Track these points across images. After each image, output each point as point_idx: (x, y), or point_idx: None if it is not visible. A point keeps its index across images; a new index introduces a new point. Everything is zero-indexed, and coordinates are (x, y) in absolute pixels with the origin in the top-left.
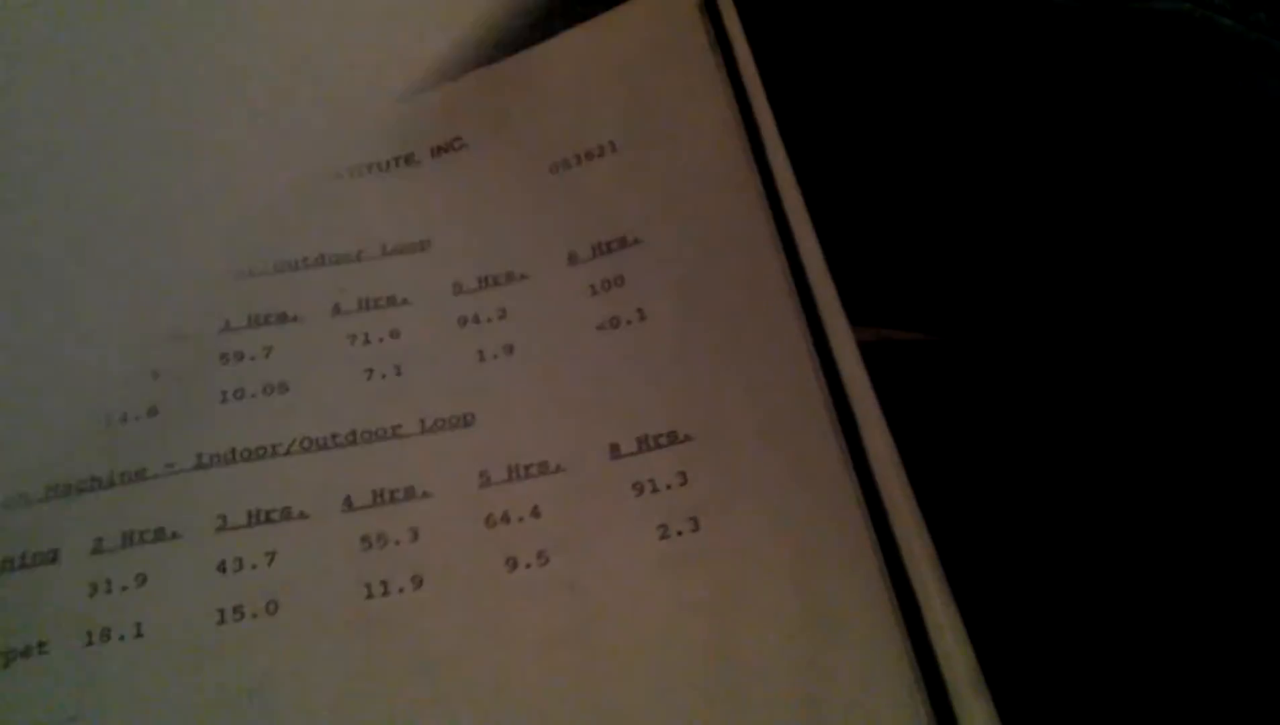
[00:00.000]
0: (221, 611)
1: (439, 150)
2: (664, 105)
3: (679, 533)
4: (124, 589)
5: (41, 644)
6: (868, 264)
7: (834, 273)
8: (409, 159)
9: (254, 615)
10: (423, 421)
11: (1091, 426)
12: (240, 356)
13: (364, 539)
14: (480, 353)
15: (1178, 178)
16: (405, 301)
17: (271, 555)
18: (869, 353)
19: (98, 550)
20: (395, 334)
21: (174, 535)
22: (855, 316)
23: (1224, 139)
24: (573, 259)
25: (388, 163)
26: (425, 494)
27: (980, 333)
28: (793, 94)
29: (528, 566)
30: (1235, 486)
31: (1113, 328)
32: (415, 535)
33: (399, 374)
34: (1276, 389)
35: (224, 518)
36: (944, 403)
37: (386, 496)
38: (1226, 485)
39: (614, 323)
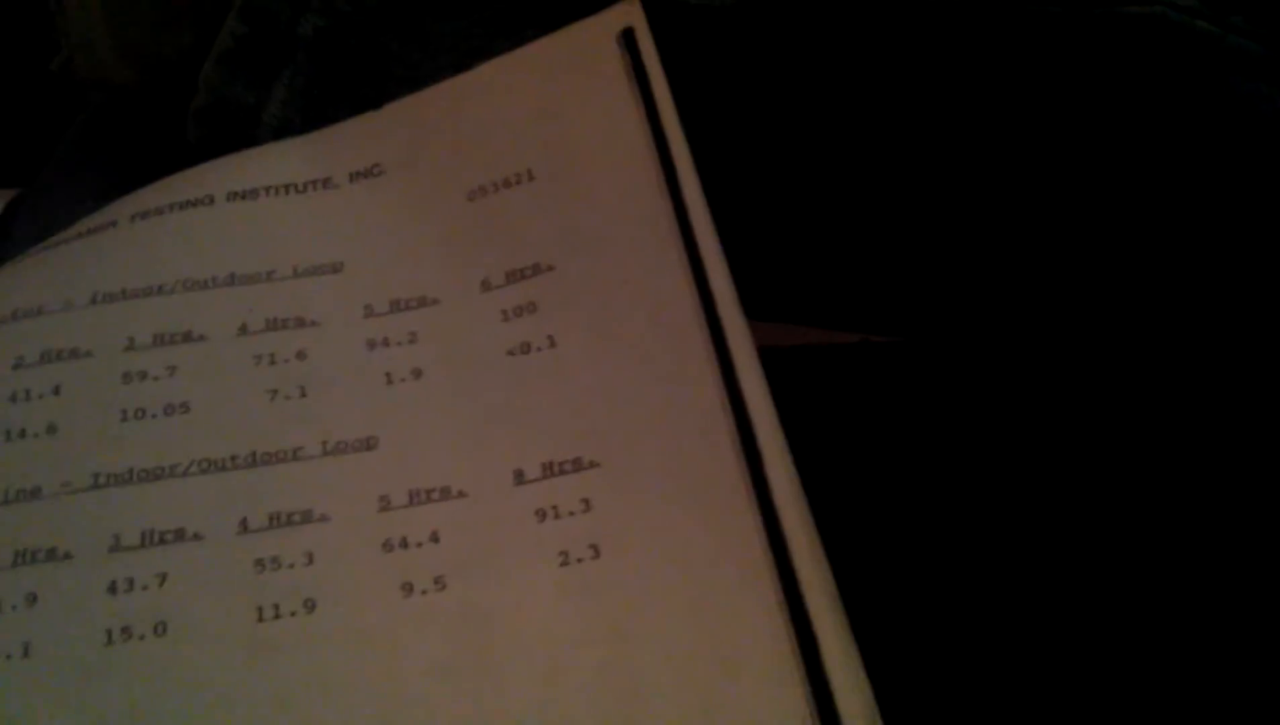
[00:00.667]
0: (109, 632)
1: (357, 175)
2: (581, 135)
3: (579, 560)
4: (13, 608)
5: None
6: (849, 269)
7: (810, 278)
8: (326, 182)
9: (141, 637)
10: (324, 444)
11: (1071, 430)
12: (143, 375)
13: (258, 562)
14: (388, 376)
15: (1154, 181)
16: (314, 323)
17: (163, 577)
18: (850, 356)
19: None
20: (302, 355)
21: (66, 555)
22: (836, 321)
23: (1201, 142)
24: (485, 285)
25: (305, 185)
26: (323, 517)
27: (960, 335)
28: (742, 104)
29: (424, 592)
30: (1218, 493)
31: (1090, 330)
32: (310, 559)
33: (303, 396)
34: (1254, 389)
35: (117, 538)
36: (924, 406)
37: (283, 519)
38: (1209, 492)
39: (524, 349)
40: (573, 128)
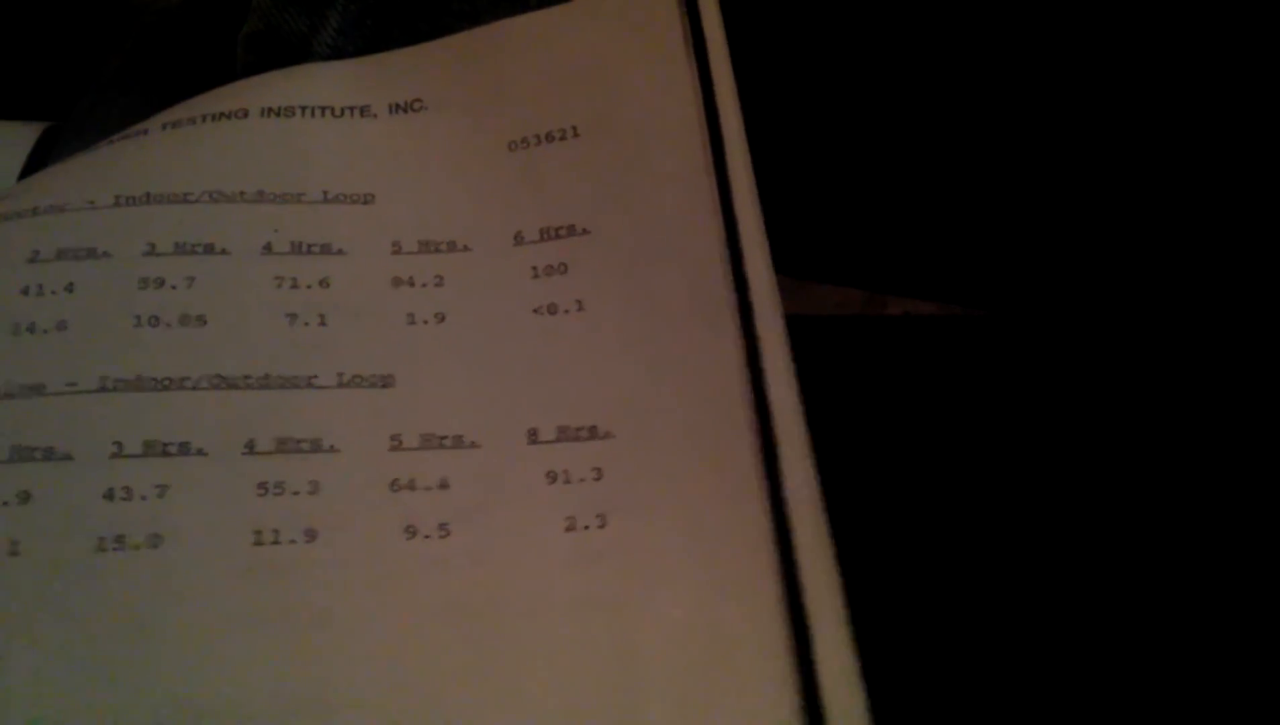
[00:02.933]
0: (102, 539)
1: (397, 108)
2: (632, 98)
3: (585, 527)
4: (4, 504)
5: None
6: (904, 237)
7: (851, 250)
8: (365, 110)
9: (135, 547)
10: (340, 375)
11: (1114, 404)
12: (161, 283)
13: (261, 485)
14: (410, 316)
15: (1211, 157)
16: (340, 252)
17: (163, 489)
18: (891, 327)
19: None
20: (325, 283)
21: (65, 456)
22: (881, 287)
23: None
24: (519, 239)
25: (343, 110)
26: (332, 448)
27: (1008, 309)
28: (799, 79)
29: (426, 537)
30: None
31: (1135, 307)
32: (315, 488)
33: (323, 324)
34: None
35: (120, 445)
36: (966, 380)
37: (291, 445)
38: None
39: (551, 309)
40: (625, 90)
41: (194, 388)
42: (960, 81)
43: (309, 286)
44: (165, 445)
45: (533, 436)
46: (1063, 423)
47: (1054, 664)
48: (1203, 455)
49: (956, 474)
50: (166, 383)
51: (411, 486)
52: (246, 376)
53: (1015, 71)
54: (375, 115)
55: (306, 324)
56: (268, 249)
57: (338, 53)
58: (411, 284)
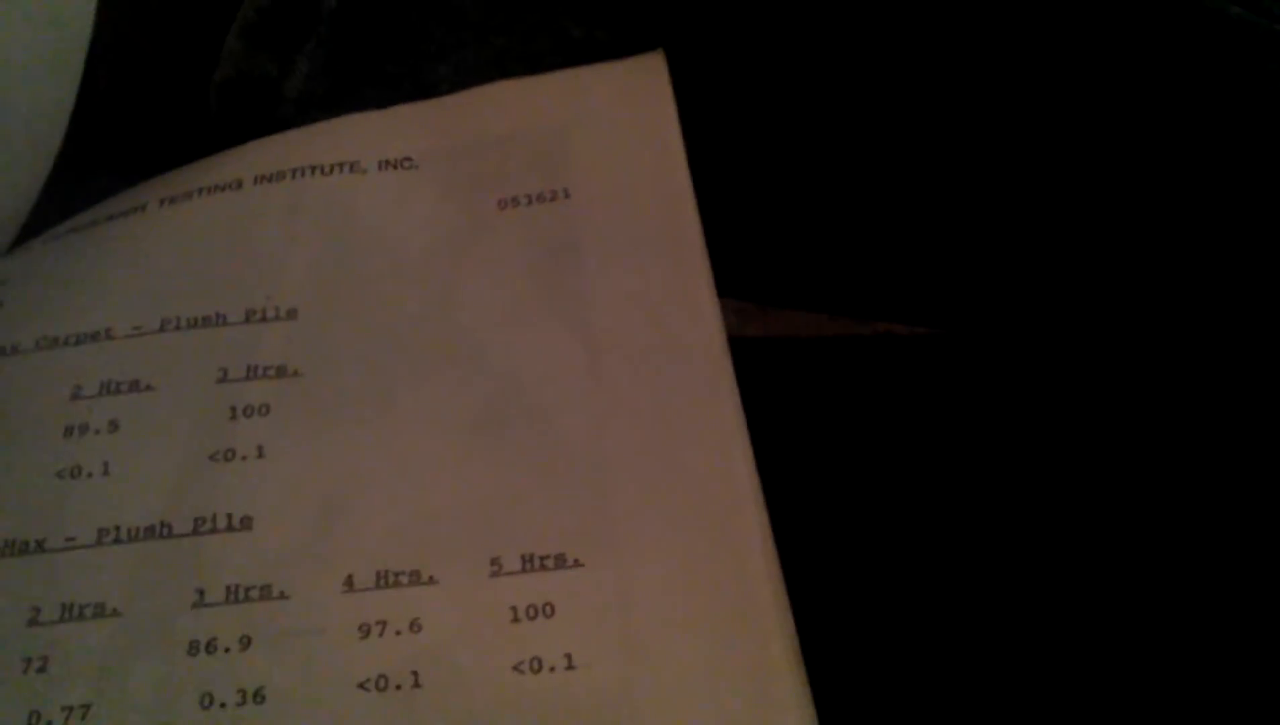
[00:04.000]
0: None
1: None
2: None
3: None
4: None
5: None
6: (871, 258)
7: (832, 269)
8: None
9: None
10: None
11: (1095, 423)
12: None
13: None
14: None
15: (1184, 168)
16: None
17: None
18: (870, 347)
19: None
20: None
21: None
22: (860, 311)
23: (1232, 128)
24: None
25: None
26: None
27: (985, 327)
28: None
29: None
30: (1241, 484)
31: (1118, 323)
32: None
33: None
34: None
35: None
36: (947, 399)
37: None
38: (1231, 484)
39: None
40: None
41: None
42: (927, 103)
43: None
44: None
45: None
46: (1035, 439)
47: (1033, 678)
48: (1176, 470)
49: (933, 491)
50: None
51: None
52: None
53: (982, 94)
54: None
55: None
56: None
57: (308, 97)
58: None
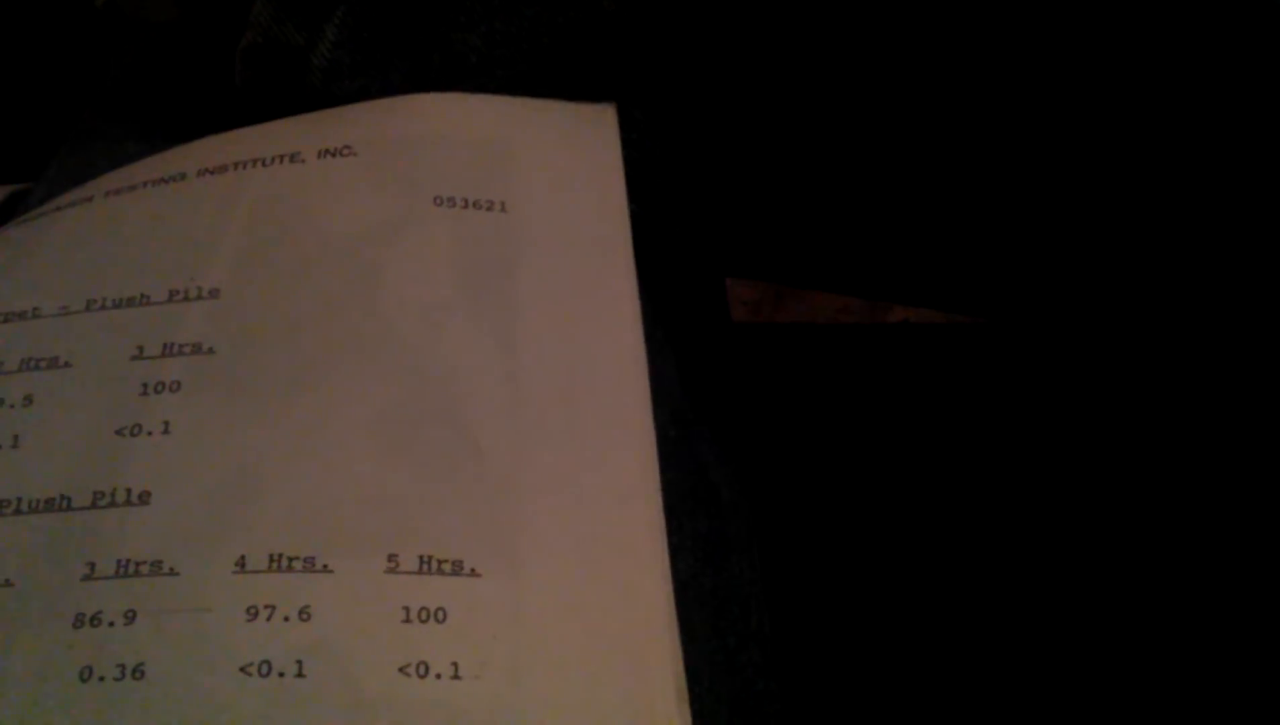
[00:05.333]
0: None
1: (326, 153)
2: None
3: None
4: None
5: None
6: (895, 248)
7: (851, 258)
8: (294, 157)
9: None
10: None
11: (1108, 410)
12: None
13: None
14: None
15: (1205, 160)
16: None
17: None
18: (893, 335)
19: None
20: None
21: None
22: (880, 295)
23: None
24: None
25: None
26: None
27: (1006, 316)
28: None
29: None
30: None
31: (1138, 317)
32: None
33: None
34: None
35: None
36: (968, 384)
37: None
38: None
39: None
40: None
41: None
42: (953, 91)
43: None
44: None
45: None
46: (1058, 429)
47: (1049, 666)
48: (1195, 462)
49: (952, 478)
50: None
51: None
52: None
53: (1007, 81)
54: (304, 160)
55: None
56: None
57: (335, 65)
58: None
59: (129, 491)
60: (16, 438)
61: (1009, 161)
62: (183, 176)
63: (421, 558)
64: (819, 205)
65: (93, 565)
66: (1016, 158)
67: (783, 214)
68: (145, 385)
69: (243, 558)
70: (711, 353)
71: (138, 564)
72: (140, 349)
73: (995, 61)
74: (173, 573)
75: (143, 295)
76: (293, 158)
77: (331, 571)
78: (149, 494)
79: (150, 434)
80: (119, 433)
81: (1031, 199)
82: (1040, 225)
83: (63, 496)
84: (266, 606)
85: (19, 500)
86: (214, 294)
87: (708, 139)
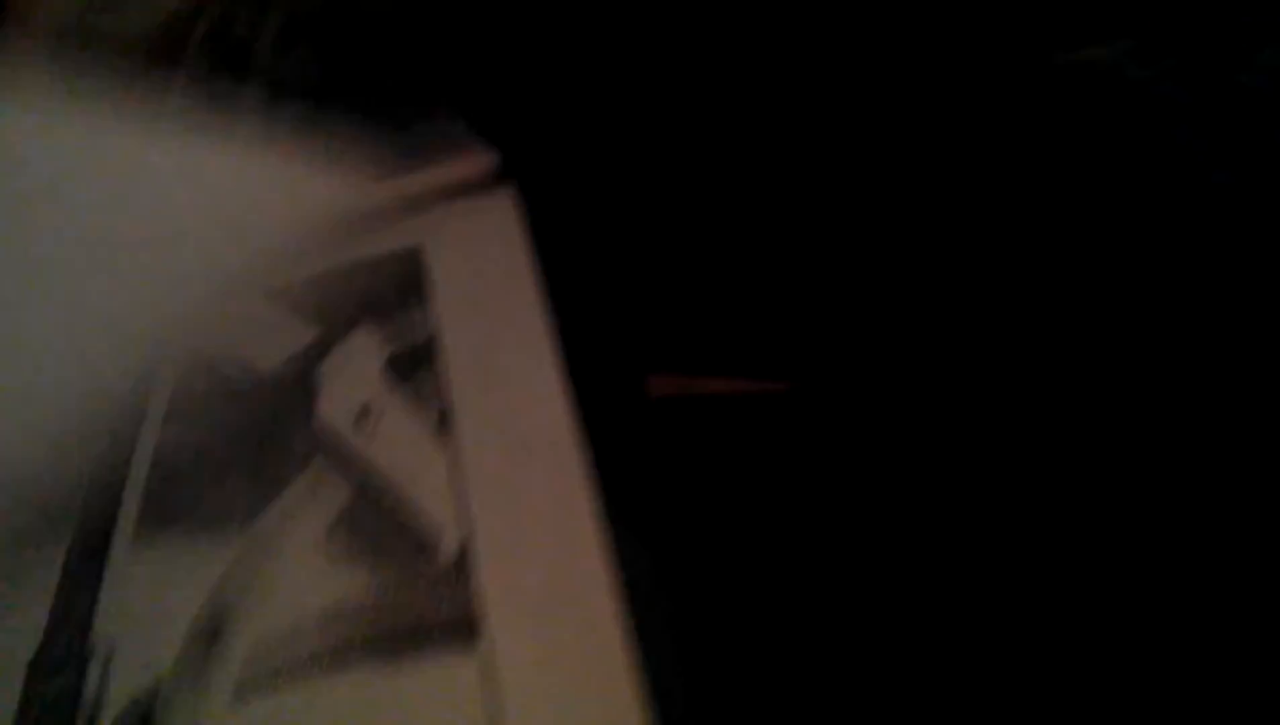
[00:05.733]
0: None
1: None
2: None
3: None
4: None
5: None
6: (733, 316)
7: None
8: None
9: None
10: None
11: (959, 480)
12: None
13: None
14: None
15: (1086, 219)
16: None
17: None
18: (731, 406)
19: None
20: None
21: None
22: (720, 367)
23: (1135, 187)
24: None
25: None
26: None
27: (841, 382)
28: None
29: None
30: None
31: (990, 376)
32: None
33: None
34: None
35: None
36: (808, 453)
37: None
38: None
39: None
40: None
41: None
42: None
43: None
44: None
45: None
46: (864, 490)
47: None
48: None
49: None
50: None
51: None
52: None
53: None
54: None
55: None
56: None
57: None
58: None
59: None
60: None
61: (822, 237)
62: None
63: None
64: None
65: None
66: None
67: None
68: None
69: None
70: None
71: None
72: None
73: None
74: None
75: None
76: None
77: None
78: None
79: None
80: None
81: (837, 272)
82: (846, 293)
83: None
84: None
85: None
86: None
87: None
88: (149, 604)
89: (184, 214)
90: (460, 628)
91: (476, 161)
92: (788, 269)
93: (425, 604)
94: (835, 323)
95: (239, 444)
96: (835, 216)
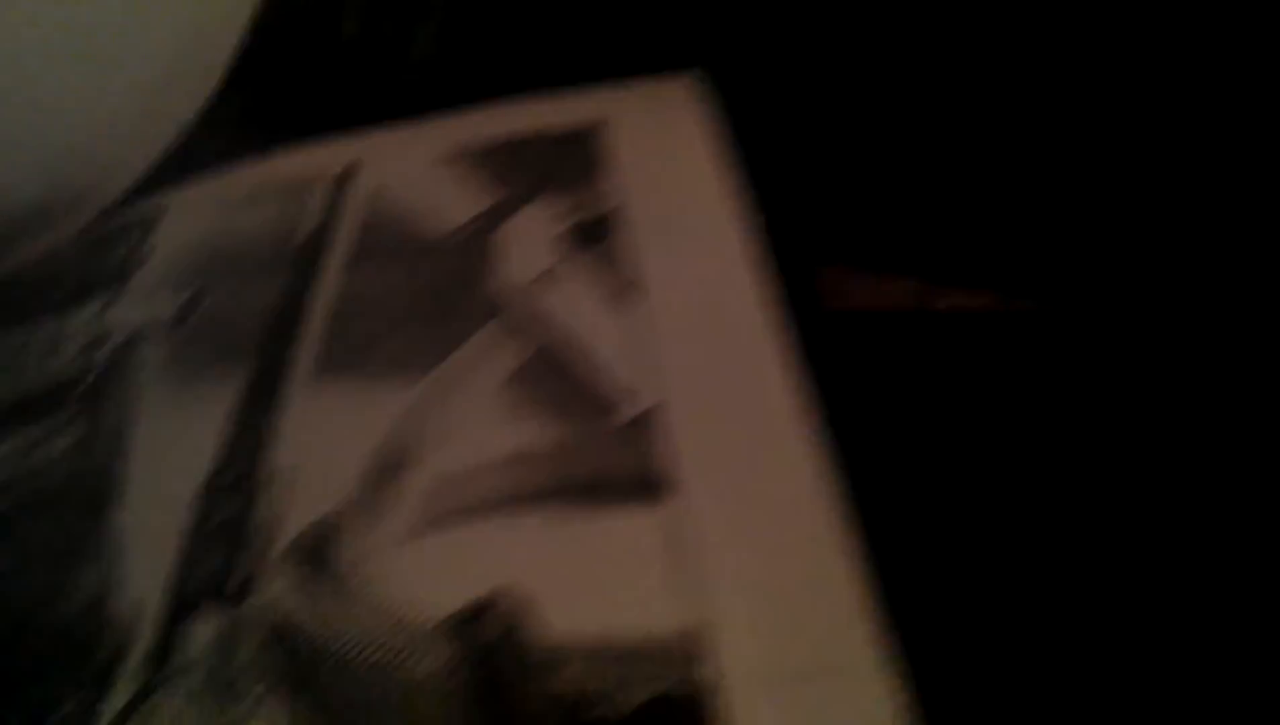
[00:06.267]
0: None
1: None
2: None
3: None
4: None
5: None
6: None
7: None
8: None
9: None
10: None
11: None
12: None
13: None
14: None
15: None
16: None
17: None
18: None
19: None
20: None
21: None
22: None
23: None
24: None
25: None
26: None
27: (1057, 300)
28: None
29: None
30: None
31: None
32: None
33: None
34: None
35: None
36: (1057, 374)
37: None
38: None
39: None
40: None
41: None
42: (1008, 66)
43: None
44: None
45: None
46: (1104, 417)
47: (1088, 663)
48: (1249, 451)
49: (999, 468)
50: None
51: None
52: None
53: (1065, 55)
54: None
55: None
56: None
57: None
58: None
59: None
60: None
61: (1064, 139)
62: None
63: None
64: (871, 186)
65: None
66: (1073, 134)
67: (834, 195)
68: None
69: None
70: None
71: None
72: None
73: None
74: None
75: None
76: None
77: None
78: None
79: None
80: None
81: (1085, 178)
82: (1094, 204)
83: None
84: None
85: None
86: None
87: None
88: (325, 440)
89: None
90: (644, 484)
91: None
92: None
93: (607, 458)
94: (1099, 239)
95: (418, 298)
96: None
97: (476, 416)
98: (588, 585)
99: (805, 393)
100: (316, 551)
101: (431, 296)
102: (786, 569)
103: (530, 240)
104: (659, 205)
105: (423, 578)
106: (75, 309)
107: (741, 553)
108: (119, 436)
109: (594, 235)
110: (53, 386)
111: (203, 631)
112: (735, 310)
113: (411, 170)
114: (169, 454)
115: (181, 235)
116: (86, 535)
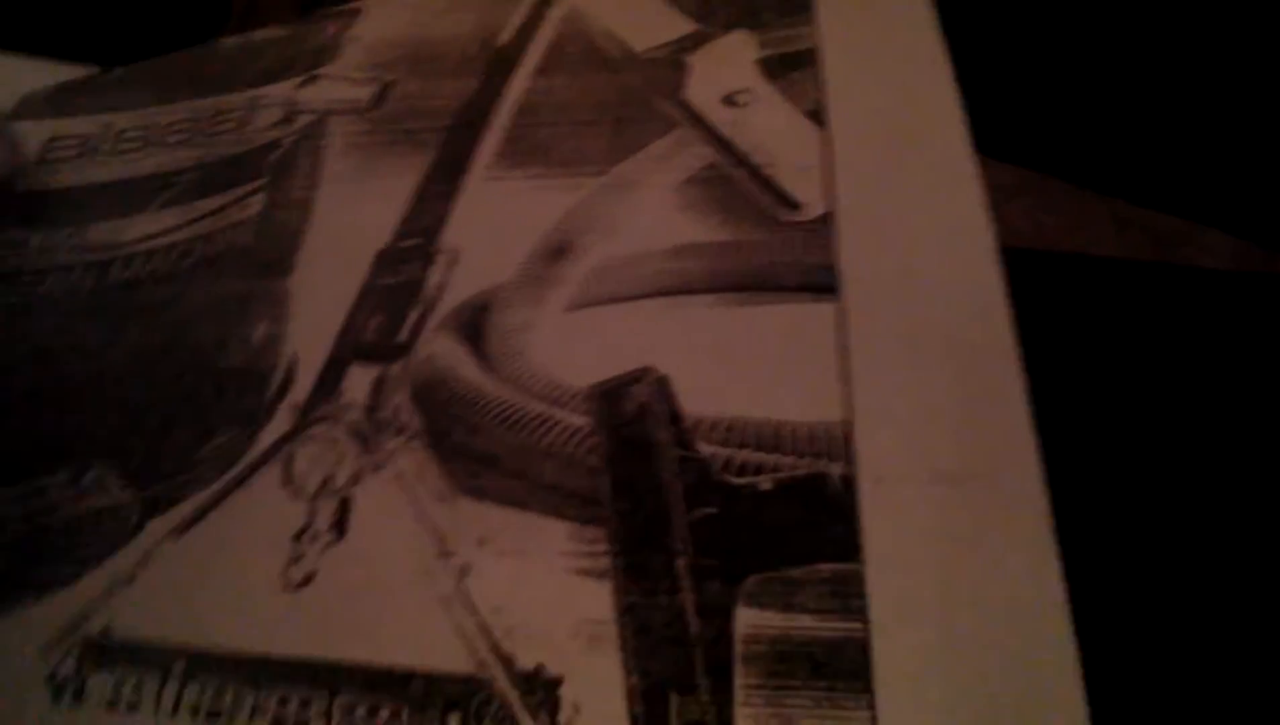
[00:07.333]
0: None
1: None
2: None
3: None
4: None
5: None
6: None
7: None
8: None
9: None
10: None
11: None
12: None
13: None
14: None
15: None
16: None
17: None
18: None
19: None
20: None
21: None
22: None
23: None
24: None
25: None
26: None
27: None
28: None
29: None
30: None
31: None
32: None
33: None
34: None
35: None
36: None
37: None
38: None
39: None
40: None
41: None
42: None
43: None
44: None
45: None
46: None
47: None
48: None
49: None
50: None
51: None
52: None
53: None
54: None
55: None
56: None
57: None
58: None
59: None
60: None
61: None
62: None
63: None
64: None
65: None
66: None
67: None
68: None
69: None
70: None
71: None
72: None
73: None
74: None
75: None
76: None
77: None
78: None
79: None
80: None
81: None
82: None
83: None
84: None
85: None
86: None
87: None
88: (496, 225)
89: None
90: (811, 283)
91: None
92: None
93: (780, 253)
94: None
95: (603, 106)
96: None
97: (648, 211)
98: (743, 369)
99: (980, 219)
100: (474, 320)
101: (617, 105)
102: (945, 377)
103: (721, 63)
104: (858, 48)
105: (573, 350)
106: (269, 85)
107: (901, 356)
108: (305, 204)
109: (787, 66)
110: (248, 152)
111: (361, 379)
112: (916, 142)
113: None
114: (349, 223)
115: (380, 31)
116: (265, 290)
